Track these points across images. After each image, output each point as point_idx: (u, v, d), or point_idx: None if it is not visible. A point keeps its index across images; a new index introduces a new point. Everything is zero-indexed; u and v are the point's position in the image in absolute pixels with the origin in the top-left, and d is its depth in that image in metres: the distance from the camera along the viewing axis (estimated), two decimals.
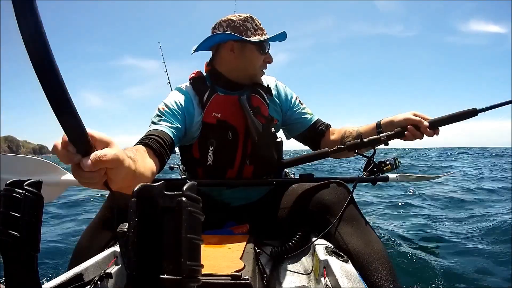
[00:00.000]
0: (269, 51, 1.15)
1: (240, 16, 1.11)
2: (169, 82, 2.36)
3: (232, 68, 1.13)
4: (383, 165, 1.11)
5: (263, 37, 1.11)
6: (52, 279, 0.71)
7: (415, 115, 1.03)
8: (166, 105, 1.05)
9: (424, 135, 1.01)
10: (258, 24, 1.12)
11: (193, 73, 1.17)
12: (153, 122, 1.00)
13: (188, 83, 1.15)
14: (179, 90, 1.13)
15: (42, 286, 0.58)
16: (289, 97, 1.26)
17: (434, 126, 1.01)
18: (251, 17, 1.12)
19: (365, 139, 1.02)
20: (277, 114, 1.21)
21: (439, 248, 2.14)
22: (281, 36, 1.14)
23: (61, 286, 0.69)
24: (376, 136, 1.03)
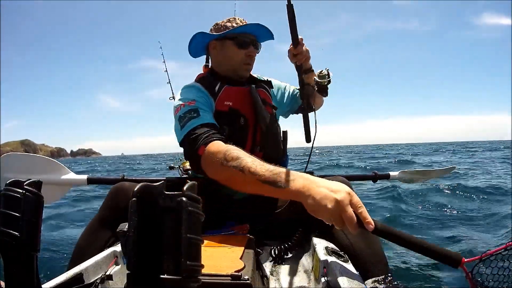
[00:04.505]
0: (258, 47, 1.19)
1: (226, 19, 1.20)
2: (169, 82, 2.39)
3: (218, 64, 1.21)
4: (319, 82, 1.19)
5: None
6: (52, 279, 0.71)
7: (289, 51, 1.21)
8: (192, 99, 1.05)
9: (300, 54, 1.18)
10: (238, 23, 1.17)
11: (198, 76, 1.23)
12: (191, 118, 1.00)
13: (194, 82, 1.18)
14: (190, 86, 1.15)
15: (42, 286, 0.58)
16: (281, 86, 1.36)
17: (295, 44, 1.17)
18: (234, 18, 1.19)
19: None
20: (276, 104, 1.29)
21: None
22: (250, 28, 1.16)
23: (61, 286, 0.69)
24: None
